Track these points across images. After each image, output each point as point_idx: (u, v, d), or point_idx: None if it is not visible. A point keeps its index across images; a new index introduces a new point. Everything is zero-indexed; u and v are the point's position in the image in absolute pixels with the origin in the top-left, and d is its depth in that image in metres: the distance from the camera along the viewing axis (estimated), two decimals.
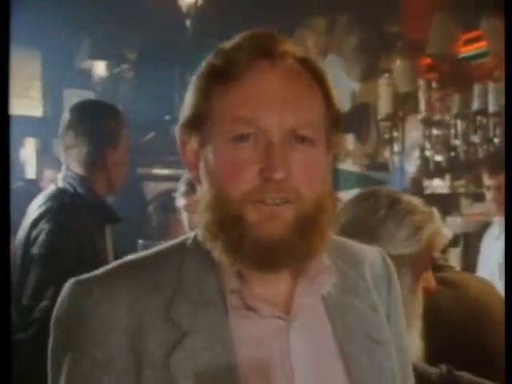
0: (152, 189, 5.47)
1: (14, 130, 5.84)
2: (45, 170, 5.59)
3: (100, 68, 6.86)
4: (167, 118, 7.26)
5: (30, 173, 6.63)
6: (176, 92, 7.39)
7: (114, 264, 1.11)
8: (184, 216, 3.14)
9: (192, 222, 3.03)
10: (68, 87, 6.98)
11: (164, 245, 1.13)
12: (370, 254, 1.21)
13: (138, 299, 1.03)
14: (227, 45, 1.07)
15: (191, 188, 3.03)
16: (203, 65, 1.07)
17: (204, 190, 1.06)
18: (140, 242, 3.72)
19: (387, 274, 1.20)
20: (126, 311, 1.02)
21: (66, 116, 2.65)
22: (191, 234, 1.11)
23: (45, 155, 6.47)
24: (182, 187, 3.15)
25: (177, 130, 1.09)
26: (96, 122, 2.61)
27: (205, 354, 1.00)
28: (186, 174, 3.14)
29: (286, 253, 1.01)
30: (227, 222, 1.02)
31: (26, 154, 6.79)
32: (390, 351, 1.13)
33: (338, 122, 1.10)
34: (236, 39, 1.07)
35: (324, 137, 1.08)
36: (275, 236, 1.00)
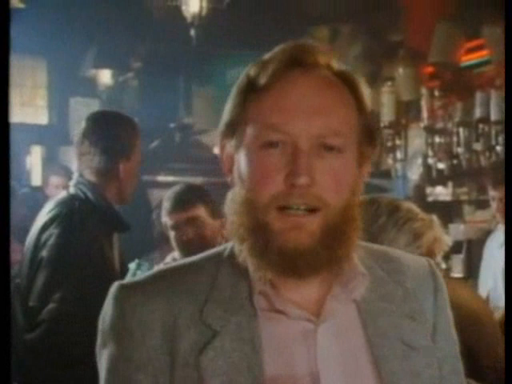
0: (157, 196, 5.49)
1: (20, 138, 5.85)
2: (50, 177, 5.61)
3: (105, 76, 6.90)
4: (172, 125, 7.29)
5: (36, 180, 6.65)
6: (180, 100, 7.42)
7: (154, 271, 1.18)
8: (171, 234, 3.00)
9: (180, 241, 2.96)
10: (73, 95, 7.00)
11: (202, 254, 1.18)
12: (415, 263, 1.22)
13: (172, 304, 1.07)
14: (265, 57, 1.11)
15: (176, 205, 2.97)
16: (241, 75, 1.12)
17: (235, 194, 1.10)
18: (136, 261, 3.69)
19: (434, 283, 1.20)
20: (161, 315, 1.07)
21: (82, 124, 2.67)
22: (229, 244, 1.14)
23: (50, 162, 6.50)
24: (166, 204, 3.00)
25: (217, 135, 1.15)
26: (111, 133, 2.62)
27: (233, 353, 1.04)
28: (170, 190, 3.09)
29: (311, 262, 1.04)
30: (254, 226, 1.05)
31: (32, 162, 6.81)
32: (432, 359, 1.13)
33: (372, 134, 1.11)
34: (274, 51, 1.11)
35: (355, 147, 1.09)
36: (300, 245, 1.03)
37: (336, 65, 1.10)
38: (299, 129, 1.04)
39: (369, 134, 1.11)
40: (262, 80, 1.06)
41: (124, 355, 1.06)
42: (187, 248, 2.91)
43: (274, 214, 1.04)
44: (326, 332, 1.08)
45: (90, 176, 2.60)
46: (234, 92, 1.11)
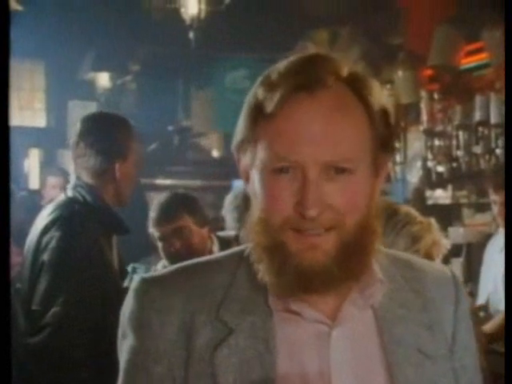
0: (155, 199, 5.47)
1: (18, 141, 5.83)
2: (47, 178, 5.62)
3: (103, 79, 6.89)
4: (170, 128, 7.27)
5: (34, 183, 6.65)
6: (179, 103, 7.41)
7: (175, 266, 1.19)
8: (159, 245, 3.00)
9: (168, 252, 2.96)
10: (72, 98, 6.99)
11: (223, 252, 1.21)
12: (438, 273, 1.22)
13: (191, 299, 1.09)
14: (271, 75, 1.07)
15: (162, 217, 2.97)
16: (252, 91, 1.09)
17: (252, 210, 1.10)
18: (131, 265, 3.67)
19: (455, 293, 1.19)
20: (179, 309, 1.09)
21: (76, 126, 2.67)
22: (250, 244, 1.14)
23: (48, 165, 6.49)
24: (152, 215, 3.00)
25: (232, 148, 1.14)
26: (106, 134, 2.61)
27: (247, 351, 1.06)
28: (156, 201, 3.08)
29: (326, 280, 1.04)
30: (271, 246, 1.05)
31: (30, 165, 6.81)
32: (448, 368, 1.13)
33: (387, 142, 1.09)
34: (278, 69, 1.06)
35: (369, 160, 1.07)
36: (316, 264, 1.03)
37: (344, 72, 1.06)
38: (307, 157, 1.02)
39: (383, 140, 1.08)
40: (269, 107, 1.04)
41: (142, 347, 1.08)
42: (175, 258, 2.88)
43: (290, 234, 1.04)
44: (340, 336, 1.08)
45: (86, 178, 2.60)
46: (244, 110, 1.09)
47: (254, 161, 1.08)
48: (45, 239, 2.46)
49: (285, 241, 1.04)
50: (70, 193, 2.61)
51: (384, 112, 1.08)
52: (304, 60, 1.07)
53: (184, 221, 2.95)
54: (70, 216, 2.50)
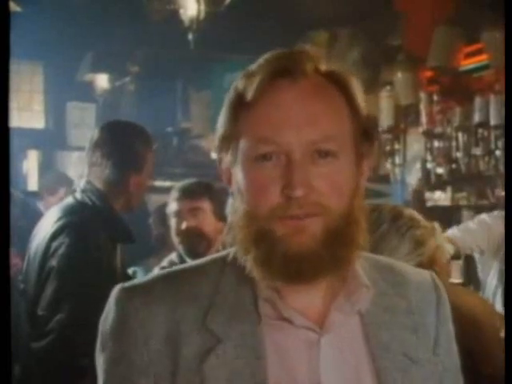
0: (154, 201, 5.47)
1: (17, 142, 5.83)
2: (46, 180, 5.63)
3: (102, 81, 6.86)
4: (169, 130, 7.27)
5: (32, 184, 6.64)
6: (178, 104, 7.40)
7: (157, 274, 1.16)
8: (172, 222, 3.07)
9: (180, 229, 3.01)
10: (70, 100, 6.99)
11: (205, 258, 1.18)
12: (418, 276, 1.22)
13: (176, 308, 1.07)
14: (251, 68, 1.09)
15: (184, 194, 3.03)
16: (231, 89, 1.11)
17: (236, 206, 1.10)
18: (132, 268, 3.68)
19: (437, 296, 1.20)
20: (164, 319, 1.06)
21: (95, 134, 2.65)
22: (232, 249, 1.13)
23: (47, 167, 6.49)
24: (174, 193, 3.09)
25: (214, 150, 1.15)
26: (123, 146, 2.60)
27: (236, 361, 1.04)
28: (181, 182, 3.15)
29: (315, 264, 1.03)
30: (257, 237, 1.05)
31: (29, 166, 6.80)
32: (432, 372, 1.14)
33: (367, 133, 1.11)
34: (258, 61, 1.09)
35: (351, 148, 1.08)
36: (303, 248, 1.03)
37: (324, 66, 1.09)
38: (290, 139, 1.03)
39: (364, 131, 1.10)
40: (249, 94, 1.06)
41: (125, 358, 1.05)
42: (186, 237, 2.99)
43: (277, 221, 1.03)
44: (328, 343, 1.08)
45: (98, 184, 2.58)
46: (225, 106, 1.11)
47: (236, 155, 1.08)
48: (54, 244, 2.45)
49: (271, 228, 1.03)
50: (79, 196, 2.59)
51: (364, 107, 1.11)
52: (283, 51, 1.09)
53: (203, 203, 3.03)
54: (80, 222, 2.50)
